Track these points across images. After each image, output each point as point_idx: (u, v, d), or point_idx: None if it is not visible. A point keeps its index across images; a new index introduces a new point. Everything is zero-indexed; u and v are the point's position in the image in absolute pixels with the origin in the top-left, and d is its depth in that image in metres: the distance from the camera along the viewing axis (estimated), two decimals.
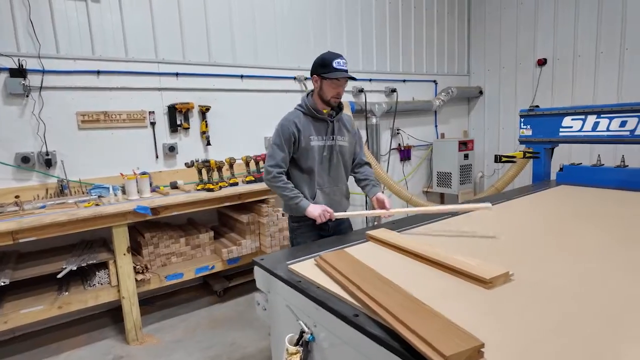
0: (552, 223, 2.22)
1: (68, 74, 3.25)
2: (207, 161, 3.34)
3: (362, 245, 2.01)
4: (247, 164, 3.69)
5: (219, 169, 3.45)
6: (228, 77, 4.01)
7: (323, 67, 2.14)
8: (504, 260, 1.67)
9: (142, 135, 3.60)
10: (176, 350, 2.89)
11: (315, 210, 2.14)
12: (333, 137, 2.28)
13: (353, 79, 2.20)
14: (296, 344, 1.52)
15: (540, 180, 3.65)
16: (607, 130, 3.18)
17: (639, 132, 3.01)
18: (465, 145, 5.59)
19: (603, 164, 3.36)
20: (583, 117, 3.32)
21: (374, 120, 5.11)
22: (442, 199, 6.08)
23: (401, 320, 1.15)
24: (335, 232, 2.34)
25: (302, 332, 1.52)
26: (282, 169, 2.19)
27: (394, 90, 5.33)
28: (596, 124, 3.25)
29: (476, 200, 3.09)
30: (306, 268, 1.69)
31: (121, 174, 3.25)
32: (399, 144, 5.66)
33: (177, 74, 3.72)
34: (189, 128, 3.78)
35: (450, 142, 5.63)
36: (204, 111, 3.81)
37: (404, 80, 5.58)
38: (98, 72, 3.36)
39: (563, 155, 5.06)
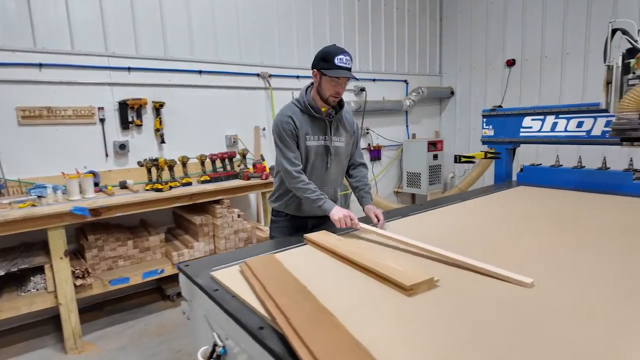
0: (499, 225, 2.17)
1: (6, 66, 3.05)
2: (156, 159, 3.19)
3: (301, 248, 1.91)
4: (202, 163, 3.55)
5: (170, 167, 3.30)
6: (185, 72, 3.86)
7: (324, 61, 1.96)
8: (438, 264, 1.59)
9: (90, 132, 3.42)
10: (116, 358, 2.74)
11: (336, 214, 1.97)
12: (329, 138, 2.14)
13: (355, 78, 2.06)
14: (209, 358, 1.42)
15: (502, 181, 3.61)
16: (565, 130, 3.16)
17: (594, 132, 2.99)
18: (434, 145, 5.55)
19: (562, 165, 3.34)
20: (542, 117, 3.29)
21: None
22: (412, 199, 6.04)
23: (300, 334, 1.05)
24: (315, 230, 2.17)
25: (215, 345, 1.41)
26: (298, 167, 2.04)
27: (363, 89, 5.25)
28: (555, 125, 3.22)
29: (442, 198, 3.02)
30: (228, 275, 1.58)
31: (62, 173, 3.07)
32: (369, 144, 5.59)
33: (129, 69, 3.55)
34: (141, 125, 3.61)
35: (419, 143, 5.59)
36: (157, 107, 3.65)
37: (374, 80, 5.51)
38: (40, 65, 3.18)
39: (530, 156, 5.07)
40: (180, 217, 3.69)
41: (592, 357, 0.97)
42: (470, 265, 1.51)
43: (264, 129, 4.40)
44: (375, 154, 5.66)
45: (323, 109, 2.10)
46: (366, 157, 5.59)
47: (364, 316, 1.20)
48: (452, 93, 6.30)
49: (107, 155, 3.49)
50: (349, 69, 1.98)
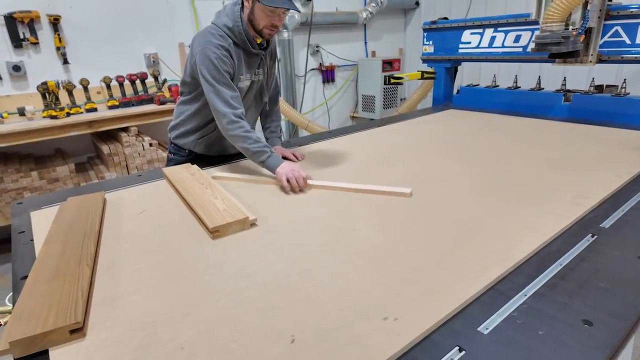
0: (387, 155, 1.97)
1: None
2: (45, 83, 2.87)
3: (156, 183, 1.74)
4: (108, 86, 3.22)
5: (69, 92, 2.99)
6: None
7: None
8: (289, 198, 1.44)
9: None
10: None
11: (282, 170, 1.55)
12: (258, 72, 1.81)
13: (297, 10, 1.62)
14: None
15: (440, 103, 3.37)
16: (503, 46, 2.83)
17: (529, 49, 2.67)
18: (390, 65, 5.14)
19: (498, 86, 3.07)
20: (481, 30, 2.94)
21: (285, 35, 4.55)
22: None
23: (28, 289, 0.92)
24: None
25: None
26: (237, 110, 1.62)
27: None
28: (493, 39, 2.88)
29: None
30: (44, 216, 1.42)
31: None
32: (320, 64, 5.16)
33: None
34: (38, 43, 3.20)
35: (374, 62, 5.16)
36: (53, 22, 3.20)
37: None
38: None
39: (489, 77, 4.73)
40: (97, 146, 3.47)
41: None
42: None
43: (189, 46, 3.97)
44: (328, 75, 5.26)
45: (258, 41, 1.72)
46: (317, 79, 5.22)
47: (138, 265, 1.06)
48: (417, 4, 5.69)
49: (0, 79, 3.14)
50: None
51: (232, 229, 1.22)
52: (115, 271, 1.04)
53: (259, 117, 2.08)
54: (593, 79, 2.51)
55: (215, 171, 1.82)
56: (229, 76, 1.66)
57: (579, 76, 3.95)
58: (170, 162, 2.04)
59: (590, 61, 2.32)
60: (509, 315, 0.82)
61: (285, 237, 1.17)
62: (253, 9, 1.62)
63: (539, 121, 2.46)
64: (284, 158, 1.96)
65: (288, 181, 1.52)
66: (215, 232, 1.19)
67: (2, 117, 2.99)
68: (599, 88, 2.57)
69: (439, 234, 1.14)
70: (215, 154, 2.00)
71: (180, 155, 2.01)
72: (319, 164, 1.86)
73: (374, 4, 5.24)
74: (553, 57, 2.29)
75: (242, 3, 1.67)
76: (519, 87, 2.92)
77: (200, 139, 1.92)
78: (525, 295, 0.88)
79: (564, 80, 2.67)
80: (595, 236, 1.10)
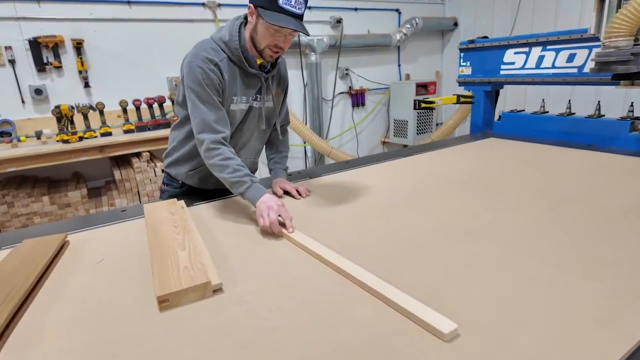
0: (412, 192, 1.64)
1: None
2: (58, 107, 2.81)
3: (136, 222, 1.51)
4: (125, 110, 3.13)
5: (85, 116, 2.92)
6: (110, 3, 3.33)
7: None
8: (277, 253, 1.13)
9: None
10: None
11: (262, 205, 1.33)
12: (259, 98, 1.59)
13: (305, 34, 1.38)
14: None
15: (479, 130, 3.00)
16: (553, 66, 2.46)
17: (587, 69, 2.28)
18: (424, 88, 4.81)
19: (547, 111, 2.67)
20: (527, 49, 2.58)
21: (312, 58, 4.38)
22: None
23: None
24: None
25: None
26: (218, 134, 1.42)
27: (339, 21, 4.51)
28: (541, 59, 2.52)
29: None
30: None
31: None
32: (349, 87, 4.93)
33: (38, 0, 3.08)
34: (61, 67, 3.20)
35: (407, 85, 4.86)
36: (76, 46, 3.20)
37: (356, 9, 4.71)
38: None
39: (537, 101, 4.29)
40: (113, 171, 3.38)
41: None
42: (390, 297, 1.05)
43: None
44: (358, 98, 5.01)
45: (258, 62, 1.51)
46: (346, 103, 4.98)
47: (56, 344, 0.81)
48: (456, 25, 5.38)
49: (23, 102, 3.15)
50: (299, 17, 1.33)
51: (188, 297, 0.94)
52: (24, 353, 0.79)
53: (263, 148, 1.84)
54: None
55: (206, 207, 1.58)
56: (216, 93, 1.44)
57: None
58: (163, 194, 1.81)
59: None
60: None
61: (255, 314, 0.88)
62: (256, 26, 1.40)
63: (599, 154, 2.05)
64: (286, 193, 1.69)
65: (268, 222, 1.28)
66: (164, 302, 0.92)
67: (19, 140, 2.97)
68: None
69: (468, 321, 0.79)
70: (211, 187, 1.75)
71: (174, 187, 1.78)
72: (328, 202, 1.56)
73: (408, 26, 4.99)
74: (618, 79, 1.89)
75: (246, 18, 1.46)
76: (573, 113, 2.51)
77: (192, 171, 1.68)
78: None
79: (631, 105, 2.24)
80: None
